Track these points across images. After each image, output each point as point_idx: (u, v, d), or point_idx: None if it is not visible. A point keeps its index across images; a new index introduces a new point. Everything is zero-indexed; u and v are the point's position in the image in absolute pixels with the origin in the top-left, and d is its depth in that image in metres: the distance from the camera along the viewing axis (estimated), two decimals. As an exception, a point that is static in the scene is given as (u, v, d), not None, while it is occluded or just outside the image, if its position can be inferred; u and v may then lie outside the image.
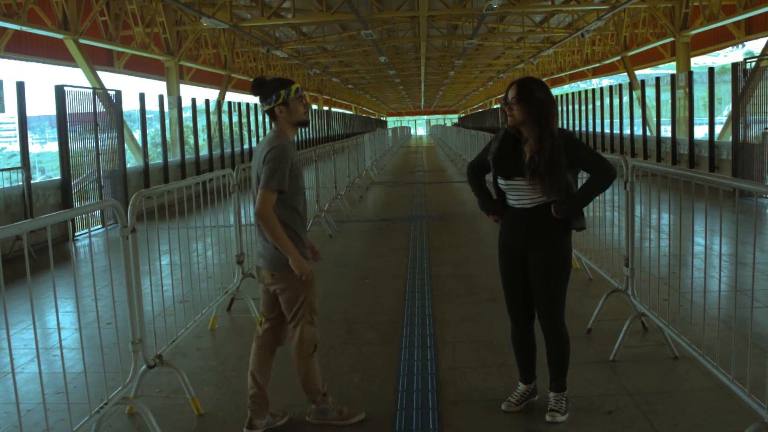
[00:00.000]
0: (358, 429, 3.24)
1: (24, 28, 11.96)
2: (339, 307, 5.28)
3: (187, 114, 15.19)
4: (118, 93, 10.75)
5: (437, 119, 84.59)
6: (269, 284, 3.18)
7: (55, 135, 9.56)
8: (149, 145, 13.91)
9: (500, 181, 3.18)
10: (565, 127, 19.20)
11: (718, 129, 13.34)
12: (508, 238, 3.24)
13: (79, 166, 9.65)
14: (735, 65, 10.95)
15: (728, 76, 11.57)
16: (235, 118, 18.54)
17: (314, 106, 37.21)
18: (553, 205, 3.07)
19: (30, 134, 9.18)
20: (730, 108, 12.02)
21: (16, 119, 8.76)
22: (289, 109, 3.14)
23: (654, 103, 15.81)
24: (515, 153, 3.14)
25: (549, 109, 3.03)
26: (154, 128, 15.45)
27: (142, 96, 12.31)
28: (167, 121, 14.05)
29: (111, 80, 25.97)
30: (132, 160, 13.85)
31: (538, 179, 3.03)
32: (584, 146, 3.15)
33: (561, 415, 3.20)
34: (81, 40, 13.33)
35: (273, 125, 3.23)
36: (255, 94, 3.21)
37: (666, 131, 15.16)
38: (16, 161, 9.25)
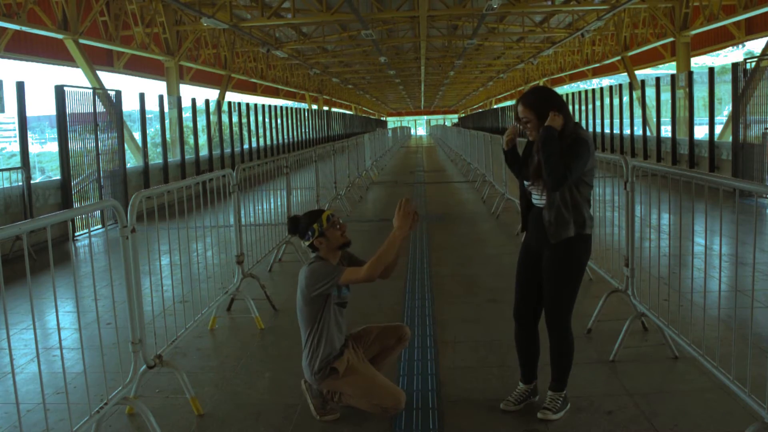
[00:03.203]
0: (359, 429, 3.24)
1: (24, 28, 11.96)
2: (339, 307, 5.27)
3: (187, 114, 15.19)
4: (118, 93, 10.75)
5: (437, 119, 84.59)
6: None
7: (55, 135, 9.56)
8: (149, 145, 13.90)
9: (525, 182, 3.32)
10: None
11: (718, 129, 13.33)
12: (529, 234, 3.35)
13: (79, 166, 9.65)
14: (735, 65, 10.95)
15: (728, 76, 11.57)
16: (235, 118, 18.54)
17: (314, 106, 37.22)
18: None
19: (30, 134, 9.18)
20: (730, 108, 12.01)
21: (16, 119, 8.76)
22: (327, 239, 3.34)
23: (654, 103, 15.80)
24: (530, 158, 3.27)
25: (533, 121, 3.13)
26: (154, 128, 15.44)
27: (142, 96, 12.31)
28: (167, 121, 14.05)
29: (111, 80, 26.06)
30: (132, 160, 13.85)
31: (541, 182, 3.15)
32: (580, 155, 3.05)
33: (553, 413, 3.21)
34: (81, 40, 13.33)
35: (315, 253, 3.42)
36: (293, 234, 3.44)
37: (666, 131, 15.16)
38: (16, 161, 9.25)
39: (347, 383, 3.26)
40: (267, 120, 22.43)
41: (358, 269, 3.25)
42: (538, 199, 3.24)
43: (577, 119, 22.49)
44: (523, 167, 3.31)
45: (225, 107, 18.05)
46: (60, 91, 9.14)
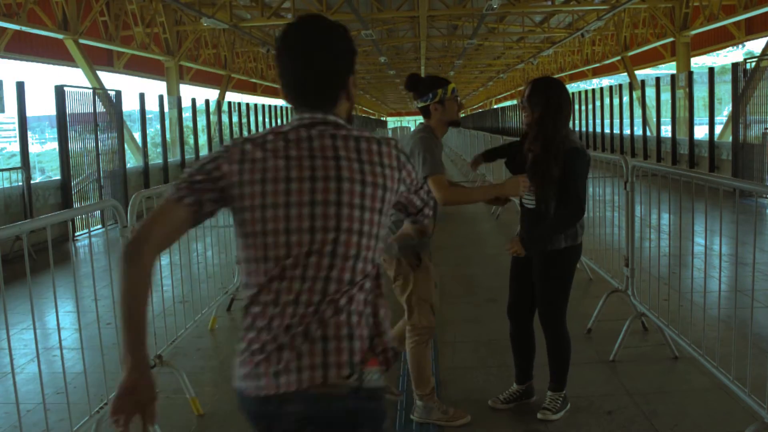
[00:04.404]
0: (358, 429, 3.24)
1: (24, 28, 11.95)
2: (339, 307, 5.27)
3: (187, 114, 15.19)
4: (118, 93, 10.75)
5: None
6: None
7: (55, 135, 9.56)
8: (149, 145, 13.91)
9: None
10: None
11: (718, 129, 13.33)
12: (522, 234, 3.29)
13: (79, 166, 9.65)
14: (735, 65, 10.95)
15: (728, 76, 11.57)
16: (235, 118, 18.54)
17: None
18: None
19: (30, 134, 9.19)
20: (730, 108, 12.01)
21: (16, 119, 8.77)
22: (444, 108, 3.11)
23: (654, 103, 15.81)
24: (521, 154, 3.20)
25: (539, 114, 3.02)
26: (154, 128, 15.46)
27: (142, 96, 12.31)
28: (167, 121, 14.05)
29: (111, 80, 25.93)
30: (132, 160, 13.85)
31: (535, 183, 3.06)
32: (577, 172, 2.98)
33: (552, 413, 3.20)
34: (81, 40, 13.33)
35: (423, 121, 3.20)
36: (410, 90, 3.16)
37: (666, 131, 15.16)
38: (16, 161, 9.26)
39: (418, 274, 3.11)
40: (267, 120, 22.42)
41: (445, 186, 3.03)
42: (528, 200, 3.17)
43: (577, 119, 22.24)
44: (511, 161, 3.28)
45: (225, 107, 18.05)
46: (60, 91, 9.14)
